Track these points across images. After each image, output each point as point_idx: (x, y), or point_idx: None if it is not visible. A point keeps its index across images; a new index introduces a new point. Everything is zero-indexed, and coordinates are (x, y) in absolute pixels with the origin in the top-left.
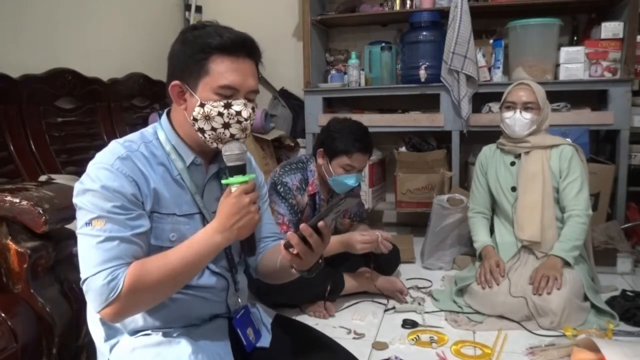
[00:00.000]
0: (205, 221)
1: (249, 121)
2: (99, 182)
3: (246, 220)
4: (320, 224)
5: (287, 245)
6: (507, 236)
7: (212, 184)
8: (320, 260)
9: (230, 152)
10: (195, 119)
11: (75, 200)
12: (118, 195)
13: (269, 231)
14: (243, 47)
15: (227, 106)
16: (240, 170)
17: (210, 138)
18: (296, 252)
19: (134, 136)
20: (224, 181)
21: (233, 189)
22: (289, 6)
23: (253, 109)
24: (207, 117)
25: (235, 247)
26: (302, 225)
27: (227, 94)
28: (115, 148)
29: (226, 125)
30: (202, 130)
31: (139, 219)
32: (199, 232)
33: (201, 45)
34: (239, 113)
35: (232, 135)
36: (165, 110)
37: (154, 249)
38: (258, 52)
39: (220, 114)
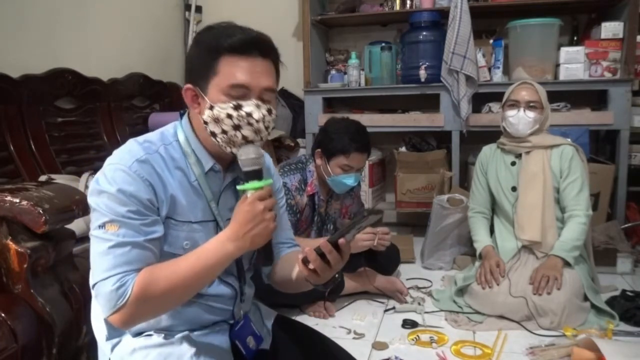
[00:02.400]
0: (219, 229)
1: (262, 123)
2: (116, 185)
3: (260, 229)
4: (341, 241)
5: (305, 261)
6: (507, 236)
7: (228, 192)
8: (337, 275)
9: (245, 156)
10: (206, 122)
11: (89, 200)
12: (134, 200)
13: (285, 237)
14: (254, 47)
15: (237, 107)
16: (256, 175)
17: (222, 141)
18: (313, 267)
19: (153, 136)
20: (239, 187)
21: (248, 195)
22: (289, 6)
23: (269, 110)
24: (216, 120)
25: (246, 254)
26: (322, 242)
27: (238, 94)
28: (133, 149)
29: (237, 127)
30: (213, 134)
31: (153, 224)
32: (211, 241)
33: (212, 46)
34: (249, 114)
35: (244, 138)
36: (187, 111)
37: (166, 256)
38: (273, 51)
39: (229, 116)
